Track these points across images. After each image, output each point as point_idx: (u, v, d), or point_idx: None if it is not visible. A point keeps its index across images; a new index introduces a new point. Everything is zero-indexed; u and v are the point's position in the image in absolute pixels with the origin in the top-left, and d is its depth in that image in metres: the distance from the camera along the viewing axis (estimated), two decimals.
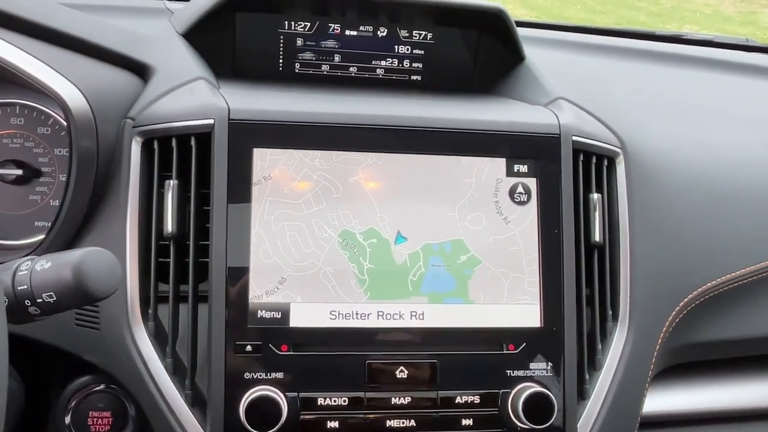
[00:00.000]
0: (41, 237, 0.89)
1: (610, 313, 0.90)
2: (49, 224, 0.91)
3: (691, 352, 0.99)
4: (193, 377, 0.79)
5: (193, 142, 0.82)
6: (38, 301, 0.62)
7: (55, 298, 0.61)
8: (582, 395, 0.85)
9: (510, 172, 0.86)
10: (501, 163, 0.86)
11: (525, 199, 0.86)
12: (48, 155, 0.93)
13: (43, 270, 0.62)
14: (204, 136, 0.82)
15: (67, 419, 0.83)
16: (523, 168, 0.86)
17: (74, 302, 0.62)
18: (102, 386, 0.83)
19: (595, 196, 0.90)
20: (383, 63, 1.06)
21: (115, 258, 0.64)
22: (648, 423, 0.97)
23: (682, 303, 0.93)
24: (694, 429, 1.03)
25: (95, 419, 0.83)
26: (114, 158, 0.85)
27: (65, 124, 0.92)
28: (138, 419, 0.83)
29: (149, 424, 0.82)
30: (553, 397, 0.80)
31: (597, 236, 0.89)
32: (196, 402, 0.79)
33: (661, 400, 0.99)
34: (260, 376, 0.78)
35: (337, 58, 1.05)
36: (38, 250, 0.83)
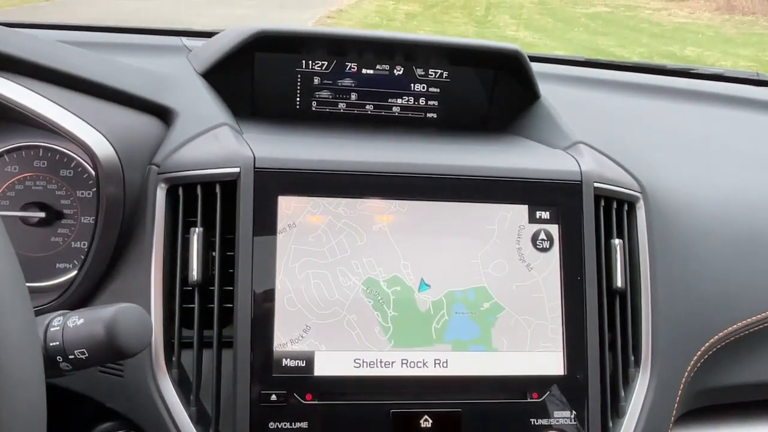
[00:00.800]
0: (64, 278, 0.90)
1: (632, 359, 0.89)
2: (71, 266, 0.92)
3: (713, 395, 0.99)
4: (217, 426, 0.79)
5: (218, 189, 0.83)
6: (70, 357, 0.62)
7: (87, 355, 0.62)
8: None
9: (532, 219, 0.86)
10: (523, 209, 0.86)
11: (547, 246, 0.86)
12: (70, 197, 0.94)
13: (76, 327, 0.62)
14: (229, 184, 0.82)
15: None
16: (545, 215, 0.86)
17: (106, 358, 0.62)
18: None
19: (617, 241, 0.90)
20: (399, 101, 1.07)
21: (146, 314, 0.64)
22: None
23: (704, 347, 0.93)
24: None
25: None
26: (139, 204, 0.85)
27: (88, 167, 0.93)
28: None
29: None
30: None
31: (619, 282, 0.89)
32: None
33: None
34: (285, 425, 0.77)
35: (353, 96, 1.06)
36: (64, 295, 0.84)
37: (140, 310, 0.63)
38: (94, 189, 0.93)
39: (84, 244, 0.92)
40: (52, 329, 0.63)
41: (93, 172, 0.93)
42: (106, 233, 0.83)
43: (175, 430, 0.79)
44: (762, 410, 1.05)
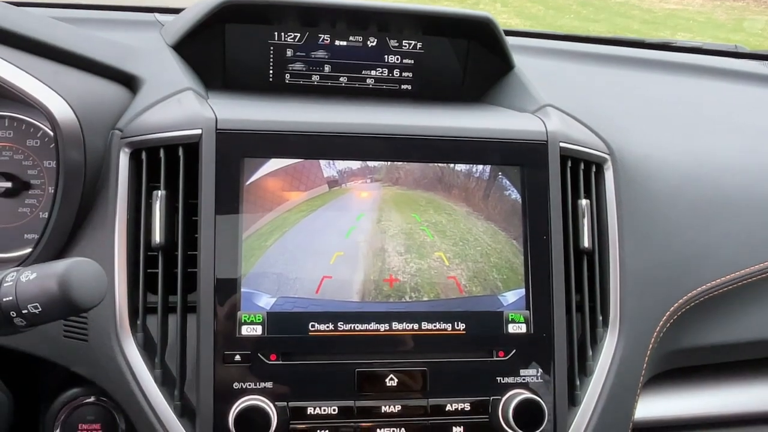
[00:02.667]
0: (28, 250, 0.89)
1: (600, 319, 0.90)
2: (37, 236, 0.91)
3: (681, 357, 0.99)
4: (182, 388, 0.79)
5: (181, 152, 0.82)
6: (23, 312, 0.61)
7: (40, 309, 0.61)
8: (573, 401, 0.85)
9: (499, 178, 0.86)
10: (490, 169, 0.86)
11: (514, 206, 0.86)
12: (37, 167, 0.93)
13: (29, 281, 0.62)
14: (192, 147, 0.82)
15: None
16: (512, 174, 0.86)
17: (60, 313, 0.62)
18: (92, 398, 0.83)
19: (584, 202, 0.90)
20: (373, 73, 1.07)
21: (100, 268, 0.64)
22: (640, 429, 0.97)
23: (672, 308, 0.93)
24: None
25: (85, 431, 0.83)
26: (102, 170, 0.85)
27: (54, 135, 0.93)
28: (128, 431, 0.83)
29: None
30: (543, 403, 0.80)
31: (586, 242, 0.89)
32: (185, 413, 0.79)
33: (653, 406, 0.99)
34: (249, 386, 0.77)
35: (327, 68, 1.06)
36: (26, 262, 0.83)
37: (93, 264, 0.63)
38: None
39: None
40: (5, 285, 0.62)
41: None
42: (66, 199, 0.82)
43: (140, 393, 0.78)
44: (731, 372, 1.05)
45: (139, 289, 0.82)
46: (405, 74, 1.08)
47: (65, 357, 0.81)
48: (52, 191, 0.92)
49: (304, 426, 0.78)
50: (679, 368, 1.02)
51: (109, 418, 0.83)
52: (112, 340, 0.80)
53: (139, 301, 0.81)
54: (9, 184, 0.91)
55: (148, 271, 0.82)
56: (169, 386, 0.80)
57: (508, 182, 0.86)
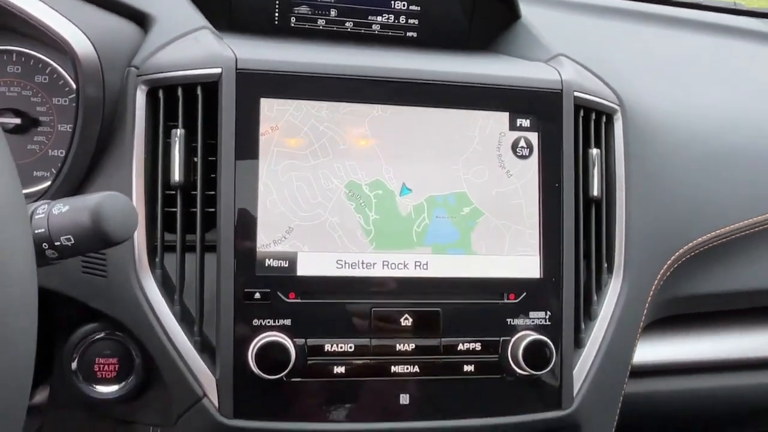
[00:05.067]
0: (41, 186, 0.89)
1: (606, 265, 0.92)
2: (48, 174, 0.91)
3: (681, 304, 1.02)
4: (201, 325, 0.81)
5: (199, 91, 0.82)
6: (56, 244, 0.62)
7: (73, 242, 0.62)
8: (578, 344, 0.88)
9: (513, 127, 0.87)
10: (504, 117, 0.87)
11: (527, 153, 0.87)
12: (46, 104, 0.92)
13: (61, 213, 0.62)
14: (210, 86, 0.82)
15: (74, 365, 0.83)
16: (526, 122, 0.87)
17: (92, 246, 0.62)
18: (108, 333, 0.84)
19: (594, 151, 0.91)
20: (379, 19, 1.06)
21: (131, 202, 0.64)
22: (638, 372, 1.00)
23: (674, 257, 0.96)
24: (680, 378, 1.07)
25: (102, 366, 0.84)
26: (118, 108, 0.84)
27: (64, 73, 0.92)
28: (143, 366, 0.84)
29: (155, 371, 0.83)
30: (551, 344, 0.83)
31: (595, 191, 0.91)
32: (205, 348, 0.80)
33: (650, 351, 1.03)
34: (268, 323, 0.79)
35: (333, 12, 1.05)
36: (43, 198, 0.83)
37: (125, 198, 0.63)
38: (71, 96, 0.91)
39: (61, 153, 0.91)
40: (36, 217, 0.62)
41: (69, 78, 0.91)
42: (84, 136, 0.82)
43: (160, 328, 0.80)
44: (725, 320, 1.09)
45: (157, 227, 0.82)
46: (411, 21, 1.07)
47: (84, 293, 0.82)
48: (63, 129, 0.92)
49: (321, 362, 0.80)
50: (677, 316, 1.05)
51: (125, 353, 0.84)
52: (131, 276, 0.80)
53: (158, 240, 0.82)
54: (18, 120, 0.90)
55: (166, 209, 0.83)
56: (188, 323, 0.81)
57: (520, 131, 0.87)
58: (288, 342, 0.78)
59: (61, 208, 0.62)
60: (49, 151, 0.92)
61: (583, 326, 0.89)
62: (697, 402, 1.09)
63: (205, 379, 0.79)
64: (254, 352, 0.77)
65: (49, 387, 0.92)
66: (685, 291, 1.01)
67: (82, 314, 0.85)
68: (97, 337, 0.84)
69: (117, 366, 0.85)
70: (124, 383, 0.84)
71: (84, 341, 0.84)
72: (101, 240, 0.62)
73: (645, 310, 0.94)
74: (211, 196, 0.82)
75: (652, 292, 0.95)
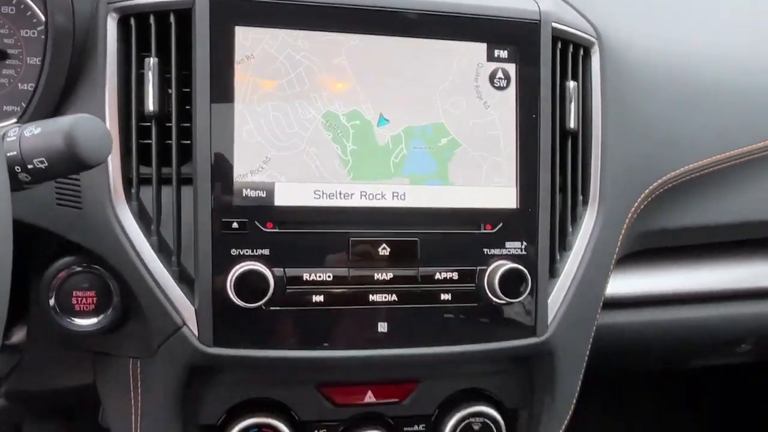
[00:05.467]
0: (10, 122, 0.87)
1: (581, 198, 0.93)
2: (18, 108, 0.89)
3: (654, 238, 1.04)
4: (179, 255, 0.80)
5: (172, 19, 0.80)
6: (29, 167, 0.61)
7: (46, 164, 0.61)
8: (553, 273, 0.90)
9: (491, 57, 0.87)
10: (482, 48, 0.86)
11: (504, 85, 0.87)
12: (14, 36, 0.90)
13: (33, 136, 0.61)
14: (184, 13, 0.80)
15: (52, 300, 0.83)
16: (503, 53, 0.87)
17: (66, 168, 0.61)
18: (85, 266, 0.84)
19: (571, 84, 0.92)
20: None
21: (105, 126, 0.63)
22: (611, 304, 1.03)
23: (648, 190, 0.97)
24: (652, 310, 1.10)
25: (79, 298, 0.84)
26: (89, 39, 0.82)
27: (31, 3, 0.89)
28: (122, 299, 0.84)
29: (133, 303, 0.83)
30: (526, 273, 0.84)
31: (572, 123, 0.92)
32: (183, 278, 0.81)
33: (624, 284, 1.06)
34: (247, 252, 0.79)
35: None
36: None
37: (98, 120, 0.62)
38: (40, 27, 0.89)
39: (31, 86, 0.89)
40: (8, 139, 0.61)
41: (37, 9, 0.88)
42: (54, 70, 0.80)
43: (138, 259, 0.80)
44: (699, 255, 1.12)
45: (132, 159, 0.81)
46: None
47: (59, 225, 0.81)
48: (32, 62, 0.90)
49: (300, 291, 0.80)
50: (651, 250, 1.07)
51: (103, 286, 0.84)
52: (106, 207, 0.80)
53: (133, 171, 0.81)
54: None
55: (141, 141, 0.82)
56: (166, 254, 0.81)
57: (497, 62, 0.87)
58: (266, 271, 0.78)
59: (33, 130, 0.61)
60: (19, 84, 0.90)
61: (558, 257, 0.91)
62: (667, 333, 1.12)
63: (184, 308, 0.80)
64: (233, 281, 0.77)
65: (26, 326, 0.92)
66: (659, 224, 1.03)
67: (56, 251, 0.84)
68: (74, 270, 0.84)
69: (95, 299, 0.84)
70: (102, 315, 0.84)
71: (61, 274, 0.83)
72: (75, 162, 0.61)
73: (619, 242, 0.96)
74: (186, 128, 0.81)
75: (626, 225, 0.96)
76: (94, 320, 0.84)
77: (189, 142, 0.80)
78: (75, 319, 0.84)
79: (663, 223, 1.03)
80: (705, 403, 1.86)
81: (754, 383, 1.78)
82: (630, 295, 1.07)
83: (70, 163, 0.61)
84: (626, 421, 1.81)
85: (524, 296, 0.84)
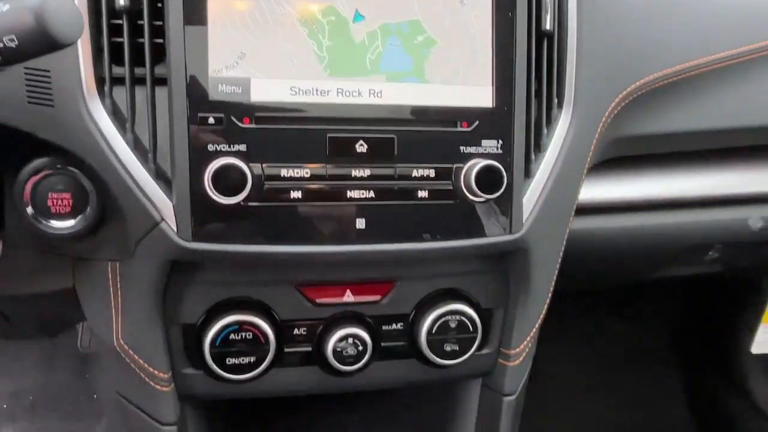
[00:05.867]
0: None
1: (556, 101, 0.94)
2: None
3: (629, 144, 1.06)
4: (155, 153, 0.80)
5: None
6: None
7: (16, 43, 0.59)
8: (527, 173, 0.91)
9: None
10: None
11: None
12: None
13: (2, 13, 0.59)
14: None
15: (27, 203, 0.82)
16: None
17: (37, 48, 0.60)
18: (59, 167, 0.83)
19: None
20: None
21: (76, 4, 0.62)
22: (586, 209, 1.05)
23: (623, 94, 0.98)
24: (625, 216, 1.12)
25: (55, 200, 0.83)
26: None
27: None
28: (98, 200, 0.84)
29: (110, 204, 0.83)
30: (502, 169, 0.85)
31: (548, 24, 0.92)
32: (160, 176, 0.80)
33: (599, 190, 1.07)
34: (224, 147, 0.79)
35: None
36: None
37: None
38: None
39: None
40: None
41: None
42: None
43: (113, 156, 0.79)
44: (674, 162, 1.14)
45: (104, 58, 0.80)
46: None
47: (31, 123, 0.79)
48: None
49: (278, 187, 0.81)
50: (626, 157, 1.09)
51: (79, 188, 0.83)
52: (79, 104, 0.78)
53: (105, 70, 0.80)
54: None
55: (113, 40, 0.80)
56: (142, 153, 0.80)
57: None
58: (244, 166, 0.78)
59: (1, 7, 0.60)
60: None
61: (533, 157, 0.91)
62: (637, 240, 1.15)
63: (162, 204, 0.79)
64: (210, 176, 0.77)
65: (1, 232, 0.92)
66: (633, 130, 1.04)
67: (28, 153, 0.83)
68: (49, 173, 0.83)
69: (71, 201, 0.84)
70: (80, 217, 0.84)
71: (35, 176, 0.82)
72: (46, 40, 0.60)
73: (592, 146, 0.97)
74: (159, 27, 0.79)
75: (600, 129, 0.97)
76: (71, 222, 0.84)
77: (162, 41, 0.79)
78: (52, 221, 0.83)
79: (637, 129, 1.04)
80: (665, 319, 1.93)
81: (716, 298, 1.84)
82: (603, 200, 1.09)
83: (42, 42, 0.60)
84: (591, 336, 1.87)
85: (499, 192, 0.86)
